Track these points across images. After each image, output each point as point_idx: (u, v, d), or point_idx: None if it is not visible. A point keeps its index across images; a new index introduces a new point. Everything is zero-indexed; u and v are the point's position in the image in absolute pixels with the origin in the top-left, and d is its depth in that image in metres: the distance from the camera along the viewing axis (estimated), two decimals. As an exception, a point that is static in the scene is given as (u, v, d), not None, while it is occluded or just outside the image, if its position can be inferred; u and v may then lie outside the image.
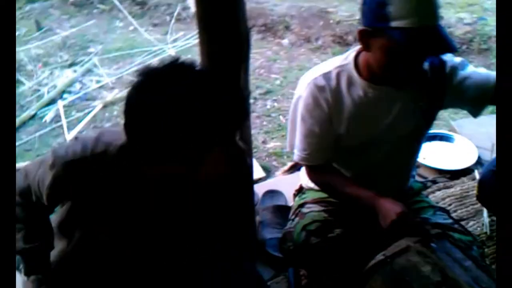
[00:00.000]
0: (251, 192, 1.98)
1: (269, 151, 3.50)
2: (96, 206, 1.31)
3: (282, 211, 2.26)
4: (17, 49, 5.17)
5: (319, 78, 1.61)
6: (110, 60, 5.00)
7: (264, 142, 3.56)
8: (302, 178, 1.95)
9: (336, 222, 1.73)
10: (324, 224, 1.71)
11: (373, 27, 1.41)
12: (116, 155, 1.23)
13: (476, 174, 2.59)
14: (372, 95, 1.57)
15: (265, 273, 1.92)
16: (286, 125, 3.79)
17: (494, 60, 4.02)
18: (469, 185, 2.52)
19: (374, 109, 1.60)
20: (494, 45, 4.35)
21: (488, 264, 1.87)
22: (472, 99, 1.61)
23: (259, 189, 2.45)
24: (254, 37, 4.68)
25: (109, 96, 4.28)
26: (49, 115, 4.02)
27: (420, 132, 1.73)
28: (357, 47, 1.58)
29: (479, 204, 2.29)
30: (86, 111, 4.09)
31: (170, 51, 4.94)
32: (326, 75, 1.61)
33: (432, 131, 2.40)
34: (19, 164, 3.35)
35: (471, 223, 2.28)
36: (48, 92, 4.36)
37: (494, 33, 4.26)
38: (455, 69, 1.60)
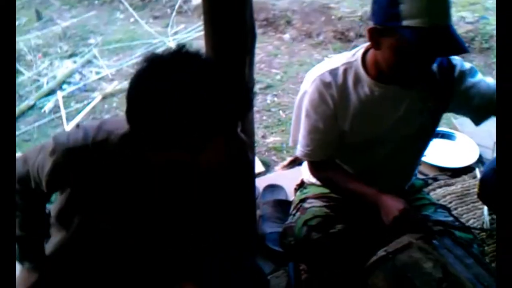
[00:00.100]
0: (253, 186, 1.98)
1: (268, 145, 3.49)
2: (97, 194, 1.30)
3: (283, 206, 2.25)
4: (17, 38, 5.14)
5: (325, 74, 1.59)
6: (110, 52, 4.99)
7: (263, 136, 3.55)
8: (304, 173, 1.94)
9: (337, 217, 1.72)
10: (325, 219, 1.71)
11: (384, 26, 1.40)
12: (117, 143, 1.23)
13: (477, 172, 2.58)
14: (378, 94, 1.56)
15: (265, 267, 1.90)
16: (286, 120, 3.81)
17: (495, 59, 4.02)
18: (470, 183, 2.51)
19: (380, 107, 1.58)
20: (495, 44, 4.35)
21: (488, 262, 1.86)
22: (477, 108, 1.60)
23: (260, 183, 2.44)
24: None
25: (109, 87, 4.27)
26: (48, 106, 4.01)
27: (425, 133, 1.72)
28: (365, 44, 1.57)
29: (479, 202, 2.28)
30: (86, 102, 4.08)
31: (170, 44, 4.92)
32: (333, 72, 1.59)
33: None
34: (18, 155, 3.34)
35: (472, 221, 2.27)
36: (48, 82, 4.34)
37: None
38: (463, 74, 1.59)
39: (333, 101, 1.59)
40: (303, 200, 1.84)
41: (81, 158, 1.23)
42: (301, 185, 1.98)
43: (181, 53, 1.12)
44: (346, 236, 1.67)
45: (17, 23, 5.57)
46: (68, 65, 4.64)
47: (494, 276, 1.43)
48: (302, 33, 5.31)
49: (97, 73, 4.55)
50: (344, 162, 1.78)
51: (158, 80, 1.06)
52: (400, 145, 1.67)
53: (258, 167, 2.87)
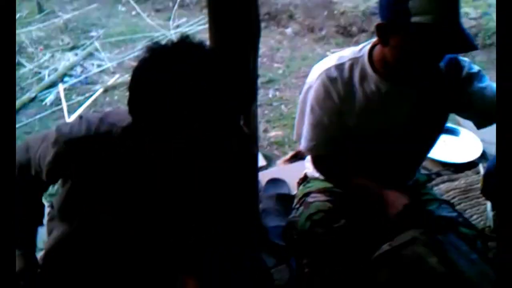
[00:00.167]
0: (256, 179, 1.97)
1: (270, 140, 3.49)
2: (98, 186, 1.29)
3: (285, 200, 2.24)
4: (18, 31, 5.14)
5: (331, 69, 1.58)
6: (112, 45, 4.98)
7: (265, 130, 3.55)
8: (307, 167, 1.93)
9: (341, 212, 1.71)
10: (329, 214, 1.69)
11: (392, 22, 1.38)
12: (120, 135, 1.22)
13: (481, 168, 2.58)
14: (384, 91, 1.55)
15: (267, 261, 1.90)
16: (288, 115, 3.80)
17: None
18: (473, 178, 2.51)
19: (386, 105, 1.57)
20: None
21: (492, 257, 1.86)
22: (481, 113, 1.58)
23: (262, 177, 2.43)
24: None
25: (110, 80, 4.26)
26: (50, 98, 4.01)
27: (431, 131, 1.70)
28: (372, 39, 1.55)
29: (483, 198, 2.28)
30: (87, 95, 4.07)
31: (172, 37, 4.91)
32: (339, 67, 1.58)
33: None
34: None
35: (475, 216, 2.27)
36: (49, 75, 4.34)
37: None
38: (471, 77, 1.57)
39: (339, 96, 1.57)
40: (306, 195, 1.83)
41: (83, 150, 1.23)
42: (305, 179, 1.96)
43: (183, 43, 1.11)
44: (349, 231, 1.66)
45: (18, 15, 5.56)
46: (69, 58, 4.63)
47: (498, 271, 1.43)
48: (304, 28, 5.30)
49: (99, 66, 4.55)
50: (348, 157, 1.76)
51: (159, 70, 1.06)
52: (406, 143, 1.65)
53: (260, 161, 2.87)
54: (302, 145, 1.72)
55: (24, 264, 1.41)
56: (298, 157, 2.85)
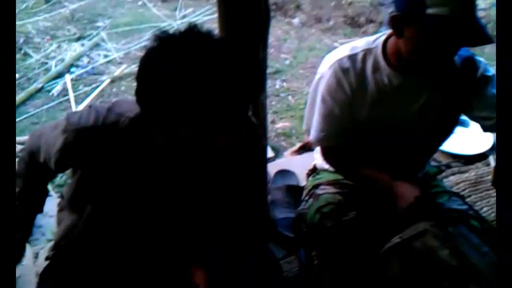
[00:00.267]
0: (264, 171, 1.96)
1: (278, 131, 3.48)
2: (106, 175, 1.29)
3: (294, 191, 2.24)
4: (24, 21, 5.14)
5: (344, 60, 1.56)
6: (118, 35, 4.97)
7: (273, 122, 3.54)
8: (317, 158, 1.92)
9: (350, 204, 1.70)
10: (338, 206, 1.69)
11: (407, 13, 1.36)
12: (127, 125, 1.22)
13: (491, 160, 2.56)
14: (396, 84, 1.53)
15: (276, 252, 1.90)
16: (295, 106, 3.79)
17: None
18: (484, 170, 2.49)
19: (398, 98, 1.55)
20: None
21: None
22: (488, 118, 1.56)
23: (271, 168, 2.42)
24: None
25: (117, 71, 4.26)
26: (57, 89, 4.01)
27: (443, 126, 1.67)
28: (387, 31, 1.53)
29: (493, 190, 2.26)
30: (94, 85, 4.07)
31: (179, 27, 4.90)
32: (352, 57, 1.56)
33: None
34: (27, 137, 3.34)
35: (485, 208, 2.26)
36: (56, 65, 4.33)
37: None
38: (485, 80, 1.55)
39: (351, 87, 1.56)
40: (315, 186, 1.82)
41: (91, 139, 1.23)
42: (314, 171, 1.95)
43: (191, 32, 1.10)
44: (359, 223, 1.65)
45: (24, 5, 5.56)
46: (76, 48, 4.63)
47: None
48: (311, 18, 5.27)
49: (105, 56, 4.54)
50: (358, 149, 1.75)
51: (167, 59, 1.04)
52: (416, 137, 1.64)
53: (268, 152, 2.85)
54: (312, 136, 1.71)
55: (16, 249, 1.45)
56: (305, 148, 2.85)
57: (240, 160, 1.36)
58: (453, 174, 2.49)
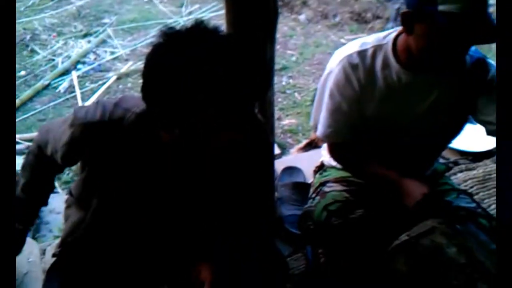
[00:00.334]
0: (272, 168, 1.95)
1: (284, 128, 3.48)
2: (112, 171, 1.29)
3: (301, 188, 2.24)
4: (31, 18, 5.15)
5: (353, 55, 1.55)
6: (125, 32, 4.97)
7: (279, 119, 3.54)
8: (324, 155, 1.91)
9: (358, 202, 1.69)
10: (345, 204, 1.68)
11: (418, 10, 1.35)
12: (133, 121, 1.22)
13: (499, 157, 2.54)
14: (405, 82, 1.52)
15: (283, 249, 1.90)
16: (301, 103, 3.78)
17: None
18: (492, 167, 2.47)
19: (406, 96, 1.54)
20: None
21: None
22: (494, 123, 1.53)
23: (277, 165, 2.42)
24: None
25: (123, 68, 4.26)
26: (63, 86, 4.02)
27: (450, 126, 1.66)
28: (398, 27, 1.52)
29: (501, 187, 2.24)
30: (100, 82, 4.08)
31: (185, 24, 4.90)
32: (362, 53, 1.54)
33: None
34: (33, 134, 3.35)
35: (493, 206, 2.24)
36: (62, 62, 4.35)
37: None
38: (495, 83, 1.53)
39: (359, 84, 1.55)
40: (323, 184, 1.81)
41: (97, 134, 1.23)
42: (321, 168, 1.95)
43: (198, 28, 1.09)
44: (366, 221, 1.64)
45: (31, 2, 5.57)
46: (82, 45, 4.64)
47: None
48: (318, 14, 5.25)
49: (112, 53, 4.55)
50: (365, 146, 1.74)
51: (174, 55, 1.04)
52: (425, 135, 1.62)
53: (274, 149, 2.85)
54: (319, 131, 1.70)
55: (16, 237, 1.49)
56: (312, 145, 2.84)
57: (246, 158, 1.36)
58: (461, 171, 2.48)
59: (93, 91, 3.94)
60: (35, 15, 5.24)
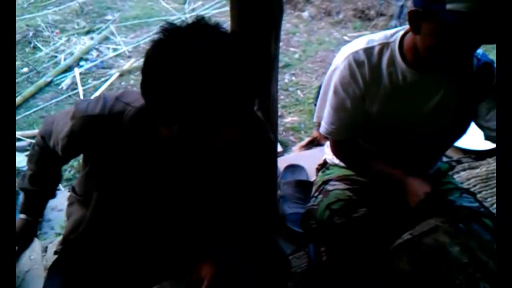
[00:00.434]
0: (274, 166, 1.95)
1: (286, 125, 3.47)
2: (112, 165, 1.29)
3: (304, 186, 2.23)
4: (34, 14, 5.15)
5: (359, 52, 1.54)
6: (127, 28, 4.97)
7: (281, 116, 3.53)
8: (327, 153, 1.90)
9: (360, 201, 1.68)
10: (348, 203, 1.67)
11: (426, 9, 1.33)
12: (133, 115, 1.21)
13: (502, 156, 2.53)
14: (411, 81, 1.50)
15: (285, 248, 1.90)
16: (304, 100, 3.78)
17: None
18: (495, 166, 2.45)
19: (412, 95, 1.53)
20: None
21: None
22: (494, 130, 1.53)
23: (280, 163, 2.41)
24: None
25: (126, 64, 4.26)
26: (66, 82, 4.02)
27: (454, 126, 1.64)
28: (406, 26, 1.50)
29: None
30: (103, 79, 4.08)
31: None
32: (368, 50, 1.53)
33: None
34: (35, 131, 3.36)
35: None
36: (65, 59, 4.35)
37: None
38: None
39: (364, 81, 1.54)
40: (325, 182, 1.81)
41: (96, 127, 1.23)
42: (324, 166, 1.94)
43: (199, 24, 1.08)
44: (369, 220, 1.64)
45: (34, -2, 5.58)
46: (85, 42, 4.63)
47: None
48: (321, 11, 5.24)
49: (114, 49, 4.54)
50: (368, 144, 1.73)
51: (174, 50, 1.03)
52: (429, 135, 1.61)
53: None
54: (322, 128, 1.69)
55: (26, 232, 1.54)
56: (314, 143, 2.83)
57: (246, 156, 1.35)
58: (464, 169, 2.47)
59: (96, 88, 3.93)
60: (38, 12, 5.24)
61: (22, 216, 1.55)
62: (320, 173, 1.92)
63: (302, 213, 1.83)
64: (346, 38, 4.73)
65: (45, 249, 2.10)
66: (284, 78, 4.07)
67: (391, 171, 1.61)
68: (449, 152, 2.57)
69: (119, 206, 1.37)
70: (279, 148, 2.90)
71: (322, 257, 1.90)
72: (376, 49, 1.52)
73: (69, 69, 4.22)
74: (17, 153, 3.07)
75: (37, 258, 1.95)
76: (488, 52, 1.52)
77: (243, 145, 1.27)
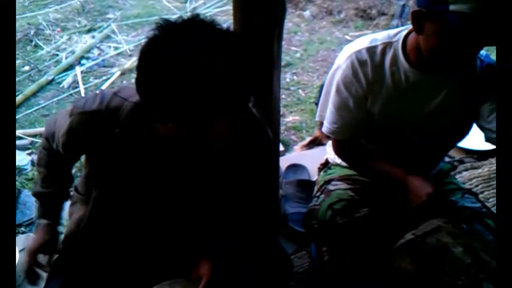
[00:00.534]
0: (276, 165, 1.94)
1: (287, 125, 3.47)
2: (110, 160, 1.29)
3: (306, 186, 2.23)
4: (35, 12, 5.15)
5: (362, 51, 1.53)
6: (129, 27, 4.96)
7: (282, 115, 3.52)
8: (329, 152, 1.90)
9: (362, 201, 1.68)
10: (350, 203, 1.67)
11: (429, 9, 1.33)
12: (130, 110, 1.21)
13: (504, 156, 2.52)
14: (413, 81, 1.50)
15: (287, 247, 1.90)
16: (305, 99, 3.77)
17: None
18: (497, 166, 2.45)
19: (414, 95, 1.52)
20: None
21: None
22: (493, 131, 1.53)
23: (282, 163, 2.41)
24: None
25: (127, 63, 4.25)
26: (67, 81, 4.01)
27: (457, 126, 1.64)
28: (409, 26, 1.50)
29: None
30: (104, 78, 4.07)
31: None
32: (371, 50, 1.53)
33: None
34: (37, 129, 3.35)
35: (498, 205, 2.22)
36: (66, 57, 4.33)
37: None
38: None
39: (366, 80, 1.53)
40: (327, 182, 1.81)
41: (94, 123, 1.23)
42: (326, 165, 1.94)
43: (194, 20, 1.08)
44: (371, 220, 1.63)
45: (35, -4, 5.56)
46: (86, 40, 4.62)
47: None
48: (322, 10, 5.23)
49: (116, 48, 4.53)
50: (370, 143, 1.73)
51: (170, 46, 1.02)
52: (431, 136, 1.61)
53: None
54: (325, 128, 1.69)
55: (50, 235, 1.47)
56: (315, 142, 2.82)
57: (245, 156, 1.35)
58: (466, 169, 2.46)
59: (97, 87, 3.92)
60: (39, 10, 5.23)
61: (42, 221, 1.49)
62: (322, 173, 1.92)
63: (304, 213, 1.83)
64: (347, 37, 4.72)
65: (46, 248, 2.10)
66: (286, 77, 4.06)
67: (393, 171, 1.61)
68: (451, 152, 2.57)
69: (118, 203, 1.37)
70: (281, 148, 2.90)
71: (324, 257, 1.90)
72: (379, 49, 1.52)
73: (70, 67, 4.21)
74: (18, 151, 3.07)
75: (38, 257, 1.95)
76: (490, 53, 1.52)
77: (241, 143, 1.27)
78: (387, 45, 1.52)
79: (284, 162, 2.49)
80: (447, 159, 2.45)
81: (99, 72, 4.18)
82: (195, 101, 1.04)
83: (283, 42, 4.61)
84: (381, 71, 1.52)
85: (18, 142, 3.19)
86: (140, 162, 1.27)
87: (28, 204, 2.57)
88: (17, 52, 4.31)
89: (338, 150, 1.77)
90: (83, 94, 3.79)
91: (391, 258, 1.54)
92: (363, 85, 1.54)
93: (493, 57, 1.43)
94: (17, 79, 3.96)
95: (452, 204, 1.64)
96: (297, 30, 4.93)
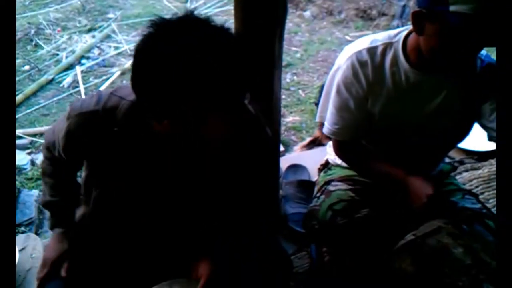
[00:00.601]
0: (276, 165, 1.94)
1: (288, 125, 3.47)
2: (109, 160, 1.28)
3: (306, 186, 2.23)
4: (36, 12, 5.15)
5: (363, 52, 1.53)
6: (129, 27, 4.97)
7: (283, 116, 3.52)
8: (329, 153, 1.90)
9: (363, 201, 1.68)
10: (350, 203, 1.67)
11: (429, 10, 1.33)
12: (127, 110, 1.21)
13: (505, 157, 2.52)
14: (414, 81, 1.50)
15: (287, 248, 1.88)
16: (305, 100, 3.77)
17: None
18: (498, 167, 2.45)
19: (414, 95, 1.52)
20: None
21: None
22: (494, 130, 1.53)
23: (282, 163, 2.41)
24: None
25: (127, 63, 4.26)
26: (67, 81, 4.01)
27: (457, 126, 1.63)
28: (409, 26, 1.50)
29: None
30: (104, 77, 4.08)
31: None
32: (371, 50, 1.53)
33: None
34: (37, 129, 3.36)
35: (498, 206, 2.22)
36: (67, 57, 4.34)
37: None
38: None
39: (367, 81, 1.53)
40: (327, 183, 1.80)
41: (91, 123, 1.23)
42: (326, 166, 1.94)
43: (189, 18, 1.08)
44: (371, 221, 1.63)
45: (36, -4, 5.57)
46: (86, 40, 4.63)
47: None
48: (323, 11, 5.24)
49: (116, 48, 4.54)
50: (371, 144, 1.73)
51: (164, 44, 1.02)
52: (431, 136, 1.61)
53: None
54: (325, 128, 1.68)
55: (67, 243, 1.45)
56: (315, 143, 2.82)
57: (244, 154, 1.34)
58: (466, 170, 2.46)
59: (97, 86, 3.93)
60: (39, 10, 5.24)
61: (56, 230, 1.47)
62: (322, 173, 1.92)
63: (304, 213, 1.83)
64: (347, 37, 4.72)
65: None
66: (286, 78, 4.06)
67: (394, 171, 1.61)
68: (452, 153, 2.57)
69: (118, 202, 1.37)
70: (281, 148, 2.89)
71: (324, 258, 1.89)
72: (380, 49, 1.52)
73: (70, 67, 4.22)
74: (18, 151, 3.07)
75: (38, 257, 1.95)
76: (490, 53, 1.52)
77: (240, 142, 1.27)
78: (388, 45, 1.52)
79: (284, 162, 2.48)
80: (447, 160, 2.44)
81: (99, 71, 4.19)
82: (188, 98, 1.04)
83: (284, 42, 4.63)
84: (382, 71, 1.52)
85: (18, 142, 3.19)
86: (138, 161, 1.27)
87: (28, 203, 2.57)
88: (17, 52, 4.32)
89: (338, 151, 1.77)
90: (83, 94, 3.80)
91: (391, 259, 1.54)
92: (363, 85, 1.54)
93: (493, 57, 1.43)
94: (17, 78, 3.97)
95: (453, 205, 1.63)
96: (298, 30, 4.93)
